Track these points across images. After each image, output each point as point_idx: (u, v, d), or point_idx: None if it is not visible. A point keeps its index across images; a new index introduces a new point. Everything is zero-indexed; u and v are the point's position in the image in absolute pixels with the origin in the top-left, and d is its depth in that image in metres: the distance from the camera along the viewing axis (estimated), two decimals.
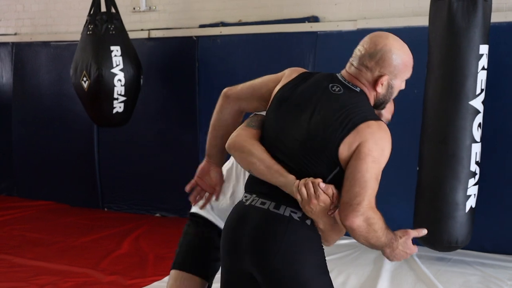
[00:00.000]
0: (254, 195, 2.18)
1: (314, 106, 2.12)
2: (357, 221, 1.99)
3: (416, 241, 4.54)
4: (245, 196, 2.21)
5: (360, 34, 5.57)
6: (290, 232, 2.07)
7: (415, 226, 4.32)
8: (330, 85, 2.15)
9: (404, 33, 4.92)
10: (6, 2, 6.92)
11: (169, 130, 6.06)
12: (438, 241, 4.14)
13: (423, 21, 4.81)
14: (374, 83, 2.15)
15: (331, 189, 2.02)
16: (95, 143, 6.40)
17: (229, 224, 2.22)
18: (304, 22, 5.39)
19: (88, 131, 6.38)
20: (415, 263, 4.54)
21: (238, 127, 2.27)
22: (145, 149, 6.16)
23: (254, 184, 2.20)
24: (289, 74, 2.26)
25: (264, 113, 2.29)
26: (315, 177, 2.03)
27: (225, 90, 2.39)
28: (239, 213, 2.20)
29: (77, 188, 6.56)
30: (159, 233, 5.44)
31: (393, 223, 5.44)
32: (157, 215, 6.12)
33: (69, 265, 4.55)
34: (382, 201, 5.13)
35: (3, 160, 6.98)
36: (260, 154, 2.13)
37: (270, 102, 2.24)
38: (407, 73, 2.19)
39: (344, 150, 2.03)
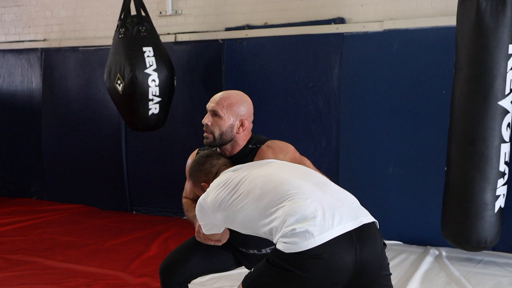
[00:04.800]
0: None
1: None
2: None
3: (445, 241, 4.54)
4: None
5: (387, 35, 5.49)
6: None
7: (444, 227, 4.31)
8: None
9: (431, 33, 4.95)
10: (35, 9, 7.03)
11: (196, 133, 6.05)
12: (467, 241, 4.14)
13: (451, 21, 4.76)
14: None
15: None
16: (123, 146, 6.46)
17: None
18: (330, 23, 5.36)
19: (116, 135, 6.44)
20: (445, 264, 4.50)
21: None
22: (172, 151, 6.19)
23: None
24: None
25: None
26: None
27: None
28: None
29: (106, 191, 6.63)
30: (187, 236, 5.41)
31: (423, 224, 5.39)
32: (185, 217, 6.15)
33: (100, 268, 4.60)
34: (411, 202, 5.13)
35: (34, 164, 7.09)
36: None
37: None
38: None
39: None
